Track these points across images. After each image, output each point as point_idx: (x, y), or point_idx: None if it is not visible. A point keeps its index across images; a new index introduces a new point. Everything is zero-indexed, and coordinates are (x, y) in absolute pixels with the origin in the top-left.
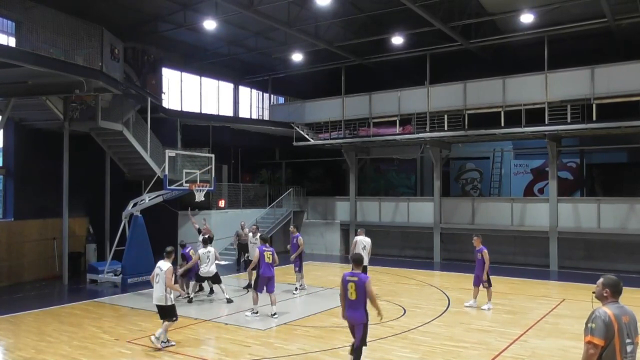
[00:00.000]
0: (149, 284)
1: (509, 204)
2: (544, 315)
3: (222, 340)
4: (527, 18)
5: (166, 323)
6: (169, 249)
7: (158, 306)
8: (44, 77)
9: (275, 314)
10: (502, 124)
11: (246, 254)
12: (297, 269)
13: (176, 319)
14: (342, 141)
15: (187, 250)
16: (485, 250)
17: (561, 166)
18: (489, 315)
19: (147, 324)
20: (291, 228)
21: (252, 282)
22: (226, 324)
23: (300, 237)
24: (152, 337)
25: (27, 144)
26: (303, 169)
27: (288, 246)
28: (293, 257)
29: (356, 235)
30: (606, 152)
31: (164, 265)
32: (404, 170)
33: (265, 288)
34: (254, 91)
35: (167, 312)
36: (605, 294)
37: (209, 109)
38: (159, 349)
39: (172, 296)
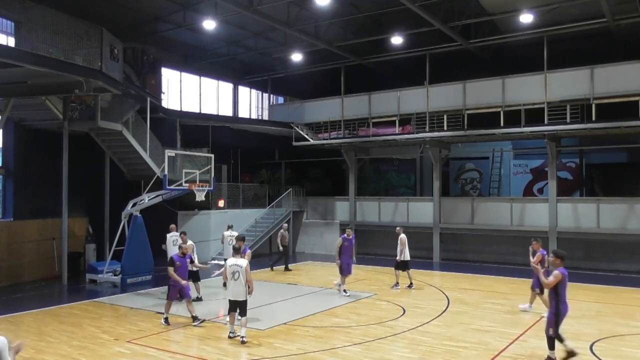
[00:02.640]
0: (148, 284)
1: (509, 204)
2: (544, 315)
3: (221, 340)
4: (526, 18)
5: (245, 319)
6: (236, 245)
7: (237, 302)
8: (44, 77)
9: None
10: (502, 124)
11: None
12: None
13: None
14: (341, 141)
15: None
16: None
17: (561, 166)
18: (488, 315)
19: (146, 323)
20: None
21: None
22: (226, 324)
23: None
24: (243, 339)
25: (26, 144)
26: (302, 169)
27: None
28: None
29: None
30: (606, 152)
31: (242, 262)
32: (403, 170)
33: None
34: (254, 91)
35: (244, 307)
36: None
37: (209, 109)
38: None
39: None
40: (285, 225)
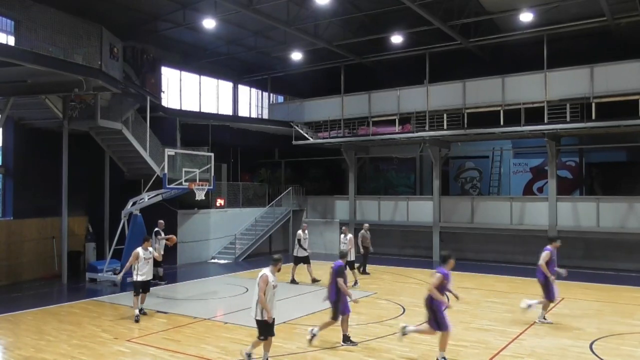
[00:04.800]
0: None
1: (508, 203)
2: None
3: (221, 339)
4: (526, 17)
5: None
6: (276, 256)
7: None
8: (43, 76)
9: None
10: (502, 123)
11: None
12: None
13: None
14: (341, 140)
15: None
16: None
17: (560, 165)
18: (487, 314)
19: (146, 322)
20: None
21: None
22: (225, 323)
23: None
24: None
25: (26, 143)
26: (302, 168)
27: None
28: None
29: (346, 233)
30: (605, 151)
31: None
32: (403, 169)
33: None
34: (253, 90)
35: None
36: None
37: (208, 108)
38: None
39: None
40: (367, 225)
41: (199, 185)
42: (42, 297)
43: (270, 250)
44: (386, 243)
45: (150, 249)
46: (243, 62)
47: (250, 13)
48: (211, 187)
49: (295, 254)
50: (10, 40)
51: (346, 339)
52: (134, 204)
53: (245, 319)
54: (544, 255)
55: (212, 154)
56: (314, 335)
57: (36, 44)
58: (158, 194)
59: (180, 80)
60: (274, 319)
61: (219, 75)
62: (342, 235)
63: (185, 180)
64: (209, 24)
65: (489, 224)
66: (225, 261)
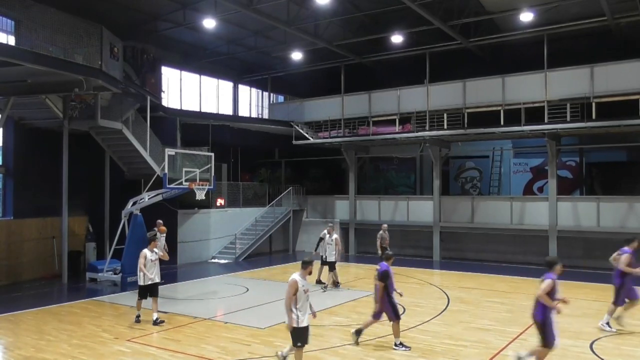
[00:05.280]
0: None
1: (509, 202)
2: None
3: (222, 338)
4: (526, 17)
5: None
6: (307, 259)
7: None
8: (44, 75)
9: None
10: (502, 123)
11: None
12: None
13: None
14: (341, 140)
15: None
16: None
17: (560, 165)
18: (488, 314)
19: (146, 322)
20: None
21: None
22: (226, 323)
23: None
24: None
25: (26, 142)
26: (302, 168)
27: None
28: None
29: (331, 233)
30: (605, 151)
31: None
32: (403, 169)
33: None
34: (254, 90)
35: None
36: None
37: (209, 107)
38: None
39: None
40: (385, 225)
41: (199, 185)
42: (42, 297)
43: (271, 250)
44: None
45: (157, 249)
46: (243, 62)
47: (251, 13)
48: (211, 187)
49: (322, 254)
50: (11, 40)
51: (359, 333)
52: (134, 203)
53: (246, 319)
54: (625, 258)
55: (213, 154)
56: (401, 344)
57: (36, 43)
58: (158, 194)
59: (181, 80)
60: (307, 326)
61: (219, 75)
62: (327, 236)
63: (186, 180)
64: (209, 23)
65: (489, 224)
66: (226, 261)
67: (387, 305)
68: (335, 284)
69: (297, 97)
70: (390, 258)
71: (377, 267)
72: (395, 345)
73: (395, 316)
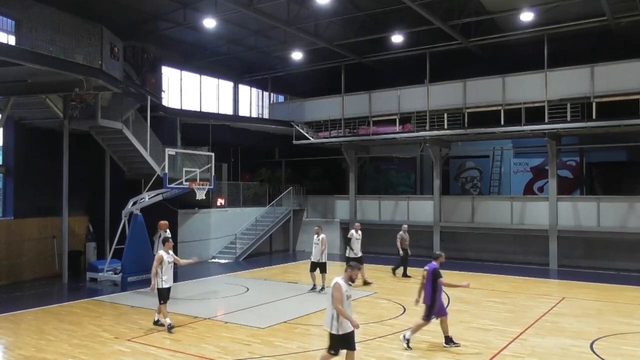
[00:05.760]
0: (148, 283)
1: (509, 202)
2: (544, 313)
3: (222, 338)
4: (526, 16)
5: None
6: (352, 263)
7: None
8: (44, 75)
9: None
10: (502, 123)
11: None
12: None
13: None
14: (341, 140)
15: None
16: None
17: (561, 165)
18: (488, 314)
19: (146, 322)
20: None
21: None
22: (226, 322)
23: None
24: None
25: (26, 142)
26: (303, 168)
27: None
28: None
29: (319, 233)
30: (606, 150)
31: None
32: (403, 168)
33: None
34: (254, 90)
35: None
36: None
37: (209, 107)
38: None
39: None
40: (405, 226)
41: (199, 185)
42: (42, 297)
43: (271, 250)
44: (386, 242)
45: (171, 252)
46: (243, 61)
47: (251, 12)
48: (212, 187)
49: (347, 254)
50: (11, 40)
51: (449, 341)
52: (134, 203)
53: (246, 319)
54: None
55: (213, 154)
56: (408, 341)
57: (37, 43)
58: (158, 194)
59: (181, 79)
60: (352, 331)
61: (219, 75)
62: (315, 236)
63: (186, 180)
64: (209, 23)
65: (489, 224)
66: (226, 261)
67: (431, 304)
68: (323, 286)
69: (298, 97)
70: (439, 257)
71: (425, 267)
72: (404, 337)
73: (427, 316)
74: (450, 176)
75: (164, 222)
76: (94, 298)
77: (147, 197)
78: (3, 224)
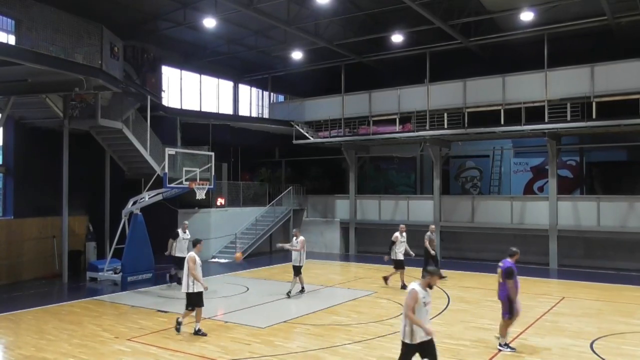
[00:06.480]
0: (148, 282)
1: (509, 202)
2: (544, 313)
3: (222, 338)
4: (526, 16)
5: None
6: (430, 269)
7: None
8: (44, 75)
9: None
10: (502, 122)
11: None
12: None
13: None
14: (341, 139)
15: None
16: None
17: (561, 164)
18: (488, 313)
19: (146, 322)
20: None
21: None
22: (226, 322)
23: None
24: None
25: (26, 142)
26: (303, 168)
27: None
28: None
29: (297, 235)
30: (606, 150)
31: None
32: (403, 168)
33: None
34: (254, 89)
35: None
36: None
37: (209, 107)
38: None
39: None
40: (433, 227)
41: (199, 185)
42: (42, 296)
43: (271, 249)
44: (386, 242)
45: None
46: (243, 61)
47: (251, 12)
48: (212, 187)
49: (393, 257)
50: (11, 40)
51: (506, 345)
52: (134, 203)
53: (246, 318)
54: None
55: (213, 153)
56: (507, 345)
57: (37, 43)
58: (158, 193)
59: (181, 79)
60: (430, 340)
61: (219, 75)
62: (294, 238)
63: (186, 180)
64: (209, 23)
65: (489, 224)
66: (226, 260)
67: (507, 301)
68: (291, 291)
69: (298, 97)
70: (515, 255)
71: (500, 264)
72: (500, 345)
73: (509, 313)
74: (450, 176)
75: (186, 223)
76: (94, 298)
77: (147, 197)
78: (3, 223)
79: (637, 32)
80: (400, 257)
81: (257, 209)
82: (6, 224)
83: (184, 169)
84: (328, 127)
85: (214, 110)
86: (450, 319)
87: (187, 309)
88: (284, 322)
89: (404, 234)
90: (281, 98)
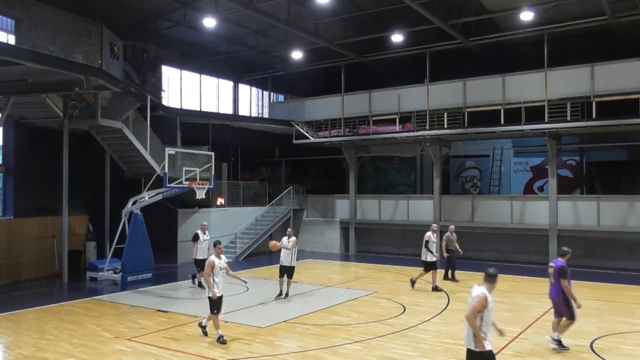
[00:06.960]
0: (148, 282)
1: (509, 202)
2: (544, 313)
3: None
4: (526, 16)
5: None
6: (492, 271)
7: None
8: (44, 75)
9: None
10: (502, 122)
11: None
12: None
13: None
14: (341, 139)
15: None
16: None
17: (561, 164)
18: None
19: (146, 321)
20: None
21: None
22: (226, 322)
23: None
24: None
25: (26, 141)
26: (303, 167)
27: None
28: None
29: (290, 235)
30: (606, 150)
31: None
32: (403, 168)
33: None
34: (254, 89)
35: None
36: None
37: (209, 107)
38: None
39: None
40: (452, 227)
41: (199, 184)
42: (42, 296)
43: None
44: (386, 242)
45: (224, 256)
46: (243, 61)
47: (251, 12)
48: (211, 186)
49: (424, 258)
50: (11, 39)
51: (561, 343)
52: (134, 203)
53: (246, 318)
54: None
55: (213, 153)
56: (559, 342)
57: (37, 42)
58: (158, 193)
59: (181, 79)
60: (490, 350)
61: (219, 74)
62: (285, 238)
63: (186, 179)
64: (209, 22)
65: (489, 223)
66: (226, 260)
67: (564, 303)
68: (281, 293)
69: (298, 97)
70: (566, 254)
71: (551, 264)
72: (553, 339)
73: (571, 315)
74: (450, 176)
75: (205, 224)
76: (94, 297)
77: (147, 197)
78: (3, 223)
79: (637, 32)
80: (431, 258)
81: (257, 209)
82: (6, 224)
83: (184, 168)
84: (328, 127)
85: (214, 110)
86: (450, 318)
87: (212, 312)
88: (284, 322)
89: (436, 234)
90: (281, 98)
